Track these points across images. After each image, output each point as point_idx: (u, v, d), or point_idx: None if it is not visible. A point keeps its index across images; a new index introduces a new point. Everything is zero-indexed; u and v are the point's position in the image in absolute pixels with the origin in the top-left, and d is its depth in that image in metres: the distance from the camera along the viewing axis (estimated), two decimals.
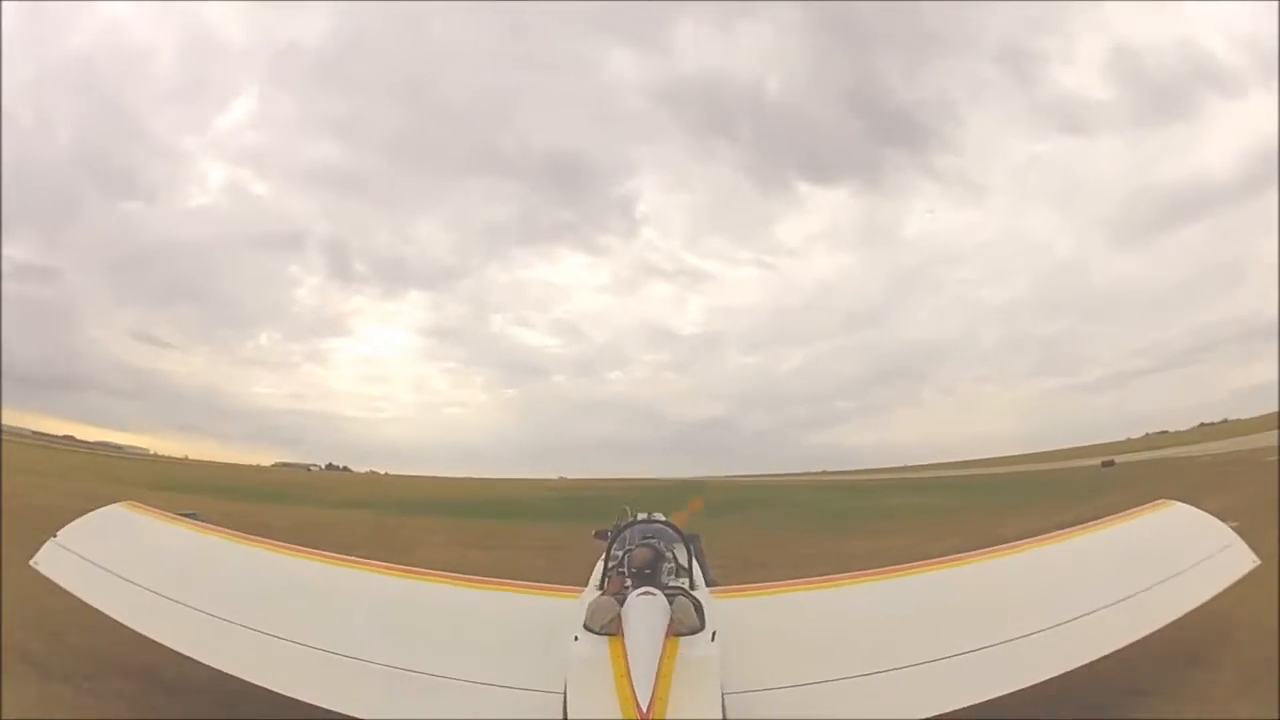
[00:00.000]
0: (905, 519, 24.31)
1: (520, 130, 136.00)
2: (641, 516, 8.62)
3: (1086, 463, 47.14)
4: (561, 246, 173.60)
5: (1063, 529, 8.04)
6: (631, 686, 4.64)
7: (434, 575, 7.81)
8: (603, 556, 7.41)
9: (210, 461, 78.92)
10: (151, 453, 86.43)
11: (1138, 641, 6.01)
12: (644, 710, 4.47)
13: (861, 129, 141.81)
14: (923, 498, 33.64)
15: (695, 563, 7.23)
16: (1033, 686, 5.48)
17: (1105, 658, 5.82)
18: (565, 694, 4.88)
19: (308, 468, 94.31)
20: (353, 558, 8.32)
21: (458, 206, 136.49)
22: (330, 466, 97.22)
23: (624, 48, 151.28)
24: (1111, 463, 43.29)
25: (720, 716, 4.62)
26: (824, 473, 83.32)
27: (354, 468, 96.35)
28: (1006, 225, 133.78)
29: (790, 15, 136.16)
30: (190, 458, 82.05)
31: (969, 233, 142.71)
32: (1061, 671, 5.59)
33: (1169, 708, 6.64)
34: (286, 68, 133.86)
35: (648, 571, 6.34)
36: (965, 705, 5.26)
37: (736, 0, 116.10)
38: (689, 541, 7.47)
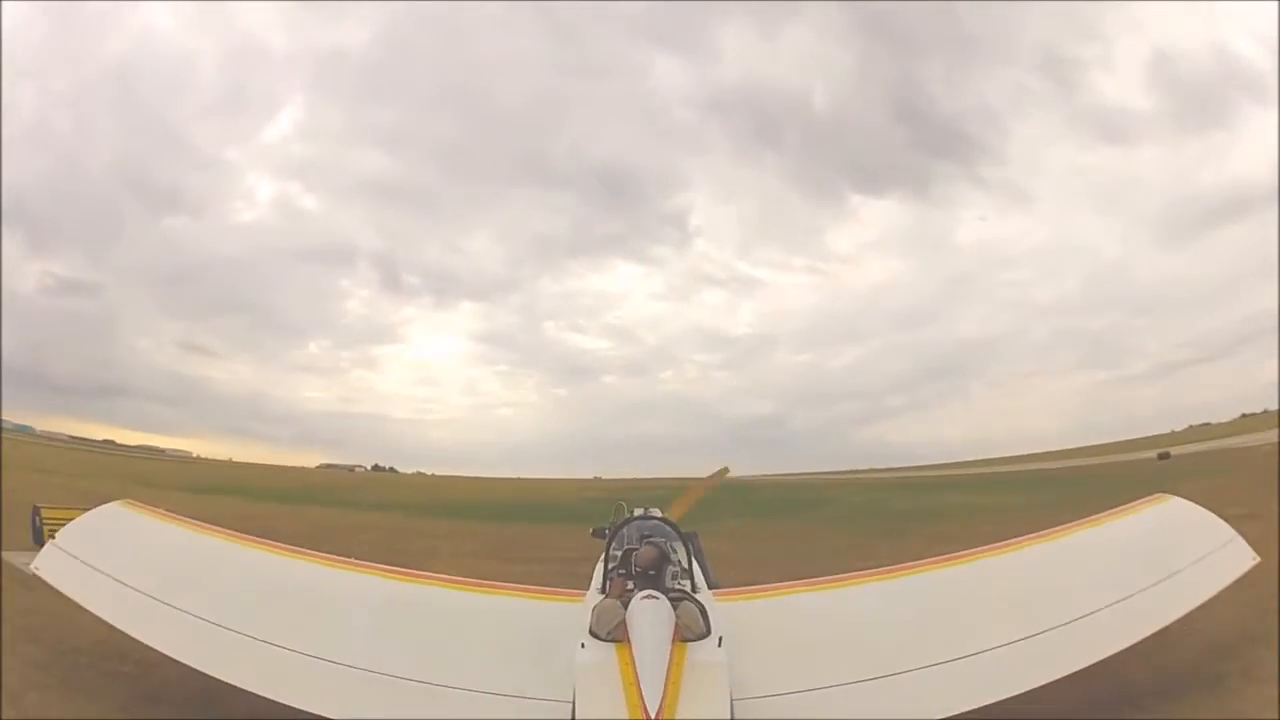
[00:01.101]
0: (968, 520, 22.29)
1: (569, 142, 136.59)
2: (638, 512, 8.44)
3: (1140, 456, 45.82)
4: (614, 257, 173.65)
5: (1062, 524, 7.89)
6: (640, 694, 4.61)
7: (437, 579, 7.66)
8: (602, 557, 7.23)
9: (252, 463, 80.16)
10: (194, 455, 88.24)
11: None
12: (653, 718, 4.44)
13: (908, 140, 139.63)
14: (981, 496, 32.01)
15: (695, 562, 7.07)
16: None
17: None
18: (573, 702, 4.82)
19: (351, 469, 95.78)
20: (353, 560, 8.10)
21: (508, 218, 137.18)
22: (376, 468, 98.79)
23: (669, 56, 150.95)
24: (1167, 455, 42.85)
25: None
26: (873, 470, 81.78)
27: (401, 469, 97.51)
28: (1053, 229, 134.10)
29: (833, 25, 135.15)
30: (234, 460, 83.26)
31: (1017, 237, 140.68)
32: (1067, 673, 5.67)
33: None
34: (331, 77, 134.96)
35: (650, 572, 6.27)
36: (973, 708, 5.28)
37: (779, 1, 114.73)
38: (687, 539, 7.33)
